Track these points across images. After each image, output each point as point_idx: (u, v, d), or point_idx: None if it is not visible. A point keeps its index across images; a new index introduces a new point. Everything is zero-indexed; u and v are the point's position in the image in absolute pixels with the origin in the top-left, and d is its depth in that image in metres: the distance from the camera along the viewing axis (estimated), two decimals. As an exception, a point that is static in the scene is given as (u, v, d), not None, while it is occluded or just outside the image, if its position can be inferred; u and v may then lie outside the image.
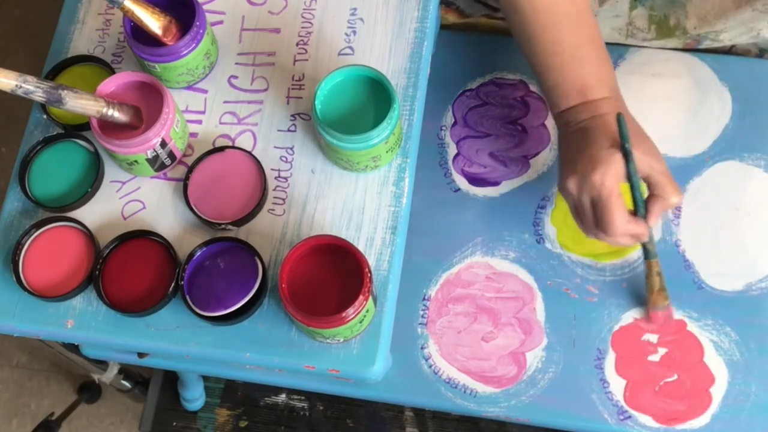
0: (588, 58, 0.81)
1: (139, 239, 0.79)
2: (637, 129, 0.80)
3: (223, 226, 0.79)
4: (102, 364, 1.22)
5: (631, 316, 0.89)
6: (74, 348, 1.05)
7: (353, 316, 0.71)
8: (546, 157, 0.96)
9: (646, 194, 0.81)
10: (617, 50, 0.98)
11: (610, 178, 0.76)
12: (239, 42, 0.87)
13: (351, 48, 0.85)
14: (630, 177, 0.78)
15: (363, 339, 0.76)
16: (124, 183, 0.83)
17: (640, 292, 0.89)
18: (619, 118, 0.77)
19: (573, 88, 0.81)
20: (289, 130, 0.84)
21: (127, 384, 1.29)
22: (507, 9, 0.84)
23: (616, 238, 0.79)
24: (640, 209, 0.80)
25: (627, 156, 0.77)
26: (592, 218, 0.79)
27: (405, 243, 0.80)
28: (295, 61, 0.86)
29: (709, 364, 0.87)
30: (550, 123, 0.97)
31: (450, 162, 0.97)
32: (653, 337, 0.88)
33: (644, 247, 0.85)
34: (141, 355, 0.98)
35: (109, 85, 0.79)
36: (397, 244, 0.79)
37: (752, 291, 0.89)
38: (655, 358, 0.87)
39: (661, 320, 0.87)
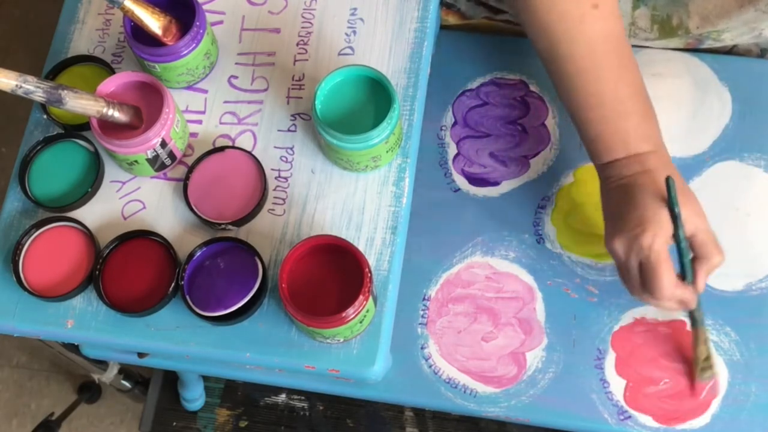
0: (632, 111, 0.78)
1: (139, 239, 0.79)
2: (684, 188, 0.78)
3: (223, 226, 0.79)
4: (102, 364, 1.21)
5: (631, 316, 0.89)
6: (74, 348, 1.05)
7: (353, 316, 0.71)
8: (546, 157, 0.96)
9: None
10: (617, 50, 0.98)
11: (659, 242, 0.74)
12: (239, 42, 0.87)
13: (351, 48, 0.85)
14: (678, 242, 0.76)
15: (363, 339, 0.76)
16: (124, 183, 0.83)
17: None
18: (669, 182, 0.75)
19: (616, 141, 0.78)
20: (289, 130, 0.83)
21: (127, 384, 1.29)
22: (545, 58, 0.81)
23: (663, 302, 0.77)
24: (688, 275, 0.77)
25: (676, 220, 0.75)
26: (638, 280, 0.77)
27: (405, 243, 0.80)
28: (295, 61, 0.86)
29: (709, 364, 0.87)
30: (550, 123, 0.97)
31: (450, 162, 0.97)
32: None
33: (692, 314, 0.83)
34: (141, 355, 0.98)
35: (109, 85, 0.79)
36: (397, 244, 0.78)
37: (752, 291, 0.89)
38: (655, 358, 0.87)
39: (705, 392, 0.85)
